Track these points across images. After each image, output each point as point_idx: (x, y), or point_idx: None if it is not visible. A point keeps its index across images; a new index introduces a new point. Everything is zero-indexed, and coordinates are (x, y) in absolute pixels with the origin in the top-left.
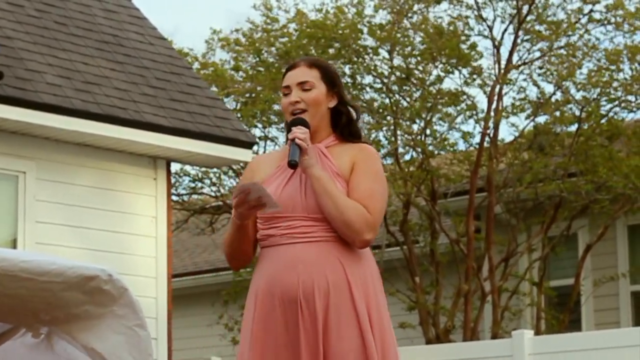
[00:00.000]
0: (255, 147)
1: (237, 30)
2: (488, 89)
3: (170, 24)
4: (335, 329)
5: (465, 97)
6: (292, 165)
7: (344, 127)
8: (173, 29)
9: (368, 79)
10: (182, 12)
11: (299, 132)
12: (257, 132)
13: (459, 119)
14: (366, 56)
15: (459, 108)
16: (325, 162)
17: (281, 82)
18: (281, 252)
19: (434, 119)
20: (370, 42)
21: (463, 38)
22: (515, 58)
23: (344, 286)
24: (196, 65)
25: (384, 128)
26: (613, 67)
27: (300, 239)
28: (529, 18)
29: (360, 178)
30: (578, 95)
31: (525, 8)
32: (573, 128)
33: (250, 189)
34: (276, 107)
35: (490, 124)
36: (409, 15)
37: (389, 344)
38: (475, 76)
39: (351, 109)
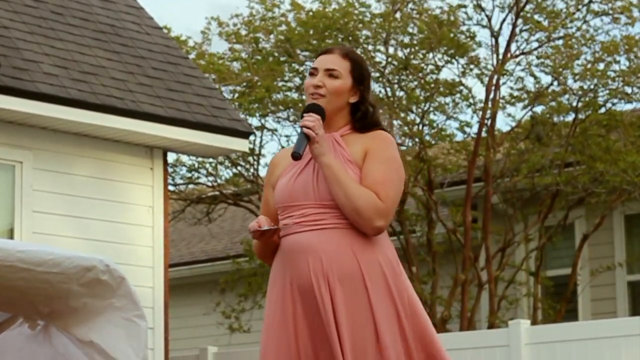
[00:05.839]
0: (252, 137)
1: (237, 16)
2: (486, 79)
3: (152, 16)
4: (349, 318)
5: (462, 87)
6: (295, 157)
7: (357, 120)
8: (156, 19)
9: None
10: (164, 4)
11: (308, 120)
12: (254, 121)
13: (455, 109)
14: (364, 45)
15: (455, 98)
16: (338, 150)
17: (278, 73)
18: (294, 240)
19: (431, 109)
20: (367, 32)
21: (463, 28)
22: (513, 48)
23: (356, 275)
24: (192, 55)
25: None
26: (610, 59)
27: (312, 227)
28: (527, 8)
29: (372, 164)
30: (575, 86)
31: None
32: (570, 118)
33: (260, 229)
34: (274, 96)
35: (488, 114)
36: (407, 3)
37: (422, 326)
38: (472, 66)
39: (371, 108)
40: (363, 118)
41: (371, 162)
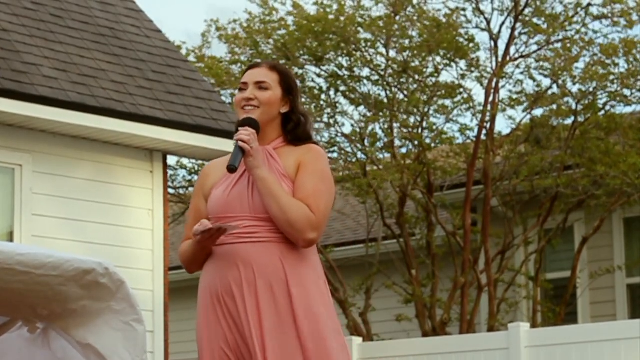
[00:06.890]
0: None
1: (234, 21)
2: (485, 82)
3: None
4: (274, 329)
5: (462, 89)
6: (231, 170)
7: (290, 132)
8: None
9: (366, 71)
10: (162, 7)
11: (243, 133)
12: None
13: (455, 112)
14: (363, 49)
15: (455, 101)
16: (272, 164)
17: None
18: (226, 251)
19: (430, 112)
20: (367, 34)
21: (461, 31)
22: (512, 51)
23: (284, 288)
24: (191, 58)
25: (381, 121)
26: (609, 62)
27: (245, 239)
28: (526, 11)
29: (305, 178)
30: (575, 89)
31: (523, 1)
32: (570, 121)
33: (213, 228)
34: None
35: (487, 117)
36: (406, 7)
37: (329, 351)
38: (472, 69)
39: (302, 117)
40: (295, 128)
41: (303, 175)
